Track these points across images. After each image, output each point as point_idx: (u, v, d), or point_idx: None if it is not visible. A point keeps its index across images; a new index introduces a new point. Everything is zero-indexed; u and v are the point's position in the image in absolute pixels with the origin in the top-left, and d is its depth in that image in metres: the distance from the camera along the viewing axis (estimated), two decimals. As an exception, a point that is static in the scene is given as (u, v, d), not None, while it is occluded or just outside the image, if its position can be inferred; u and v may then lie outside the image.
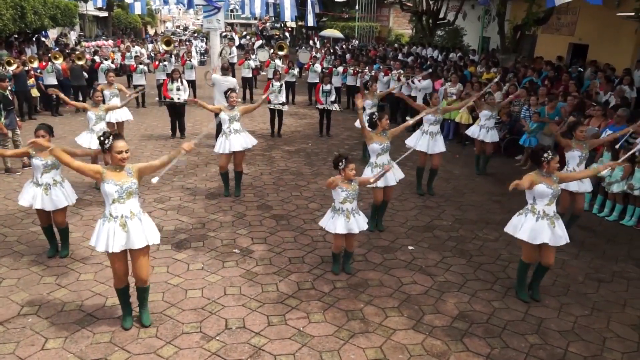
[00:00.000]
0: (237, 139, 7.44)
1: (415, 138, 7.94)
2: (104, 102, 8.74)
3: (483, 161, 9.26)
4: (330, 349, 4.22)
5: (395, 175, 6.41)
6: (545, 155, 4.72)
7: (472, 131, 9.20)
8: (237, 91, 7.91)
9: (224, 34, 26.95)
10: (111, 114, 9.07)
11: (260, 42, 29.67)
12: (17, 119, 9.26)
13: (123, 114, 9.51)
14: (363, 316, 4.70)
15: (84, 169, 4.18)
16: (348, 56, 20.93)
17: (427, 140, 7.81)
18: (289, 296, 5.00)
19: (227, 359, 4.07)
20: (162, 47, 17.40)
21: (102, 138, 4.12)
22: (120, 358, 4.03)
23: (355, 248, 5.79)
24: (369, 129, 6.28)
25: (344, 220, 5.18)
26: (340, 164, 5.10)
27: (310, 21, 20.83)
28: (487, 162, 9.30)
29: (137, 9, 21.69)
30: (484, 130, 8.93)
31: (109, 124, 9.04)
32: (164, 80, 12.89)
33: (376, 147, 6.18)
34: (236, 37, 31.96)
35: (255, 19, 38.78)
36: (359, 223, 5.28)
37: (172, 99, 10.82)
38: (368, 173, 6.21)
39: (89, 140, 7.76)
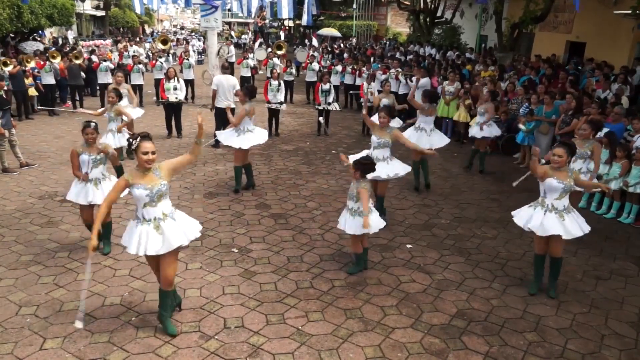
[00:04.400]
0: (256, 133, 7.66)
1: (408, 134, 7.90)
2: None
3: (480, 159, 9.23)
4: (329, 347, 4.22)
5: (386, 170, 6.28)
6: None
7: (474, 132, 9.12)
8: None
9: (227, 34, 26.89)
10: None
11: (260, 40, 29.61)
12: (12, 119, 9.22)
13: (133, 112, 9.52)
14: (362, 315, 4.70)
15: (116, 192, 4.05)
16: (345, 55, 20.91)
17: (424, 137, 7.83)
18: (287, 295, 5.00)
19: (226, 358, 4.06)
20: (159, 46, 17.35)
21: (129, 139, 4.00)
22: (118, 357, 4.02)
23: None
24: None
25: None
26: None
27: (304, 20, 20.82)
28: (483, 160, 9.26)
29: (137, 7, 21.69)
30: (483, 127, 8.92)
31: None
32: (161, 79, 12.84)
33: (374, 139, 6.38)
34: (234, 35, 31.88)
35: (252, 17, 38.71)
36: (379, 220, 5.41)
37: (168, 99, 10.78)
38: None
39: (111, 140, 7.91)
